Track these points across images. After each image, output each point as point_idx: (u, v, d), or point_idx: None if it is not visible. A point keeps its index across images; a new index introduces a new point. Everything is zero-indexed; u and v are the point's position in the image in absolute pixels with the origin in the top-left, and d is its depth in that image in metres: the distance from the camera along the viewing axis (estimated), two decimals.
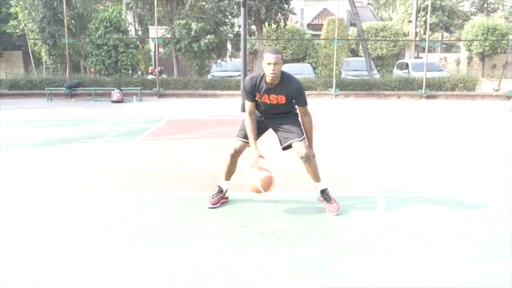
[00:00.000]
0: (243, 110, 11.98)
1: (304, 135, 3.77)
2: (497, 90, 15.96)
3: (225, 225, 3.53)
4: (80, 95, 15.19)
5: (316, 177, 3.81)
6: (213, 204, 3.89)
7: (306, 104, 3.76)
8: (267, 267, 2.84)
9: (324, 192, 3.83)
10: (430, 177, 5.07)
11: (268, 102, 3.73)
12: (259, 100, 3.73)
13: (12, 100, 14.44)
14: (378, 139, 7.64)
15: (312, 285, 2.62)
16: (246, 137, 3.78)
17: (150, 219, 3.68)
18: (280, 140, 3.87)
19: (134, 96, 14.44)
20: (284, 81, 3.66)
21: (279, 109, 3.79)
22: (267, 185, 3.64)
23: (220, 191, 3.95)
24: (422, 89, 15.45)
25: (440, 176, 5.13)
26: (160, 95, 15.60)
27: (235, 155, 3.82)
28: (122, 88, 14.67)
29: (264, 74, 3.63)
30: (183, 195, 4.34)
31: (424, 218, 3.73)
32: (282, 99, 3.70)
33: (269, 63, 3.53)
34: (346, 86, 15.97)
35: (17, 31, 23.22)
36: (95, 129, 8.41)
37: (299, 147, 3.70)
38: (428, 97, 15.40)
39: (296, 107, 3.85)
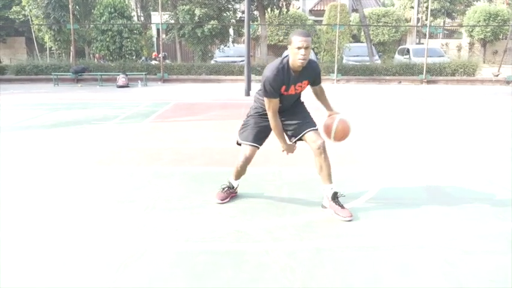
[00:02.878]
0: (247, 94, 12.10)
1: (317, 126, 3.45)
2: (497, 76, 16.16)
3: (235, 196, 3.81)
4: (85, 80, 15.44)
5: (330, 176, 3.38)
6: (222, 200, 3.64)
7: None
8: (275, 230, 3.14)
9: (335, 196, 3.40)
10: (428, 155, 5.35)
11: (294, 92, 3.34)
12: (287, 93, 3.29)
13: (19, 85, 14.70)
14: (379, 121, 7.91)
15: (316, 244, 2.92)
16: (255, 140, 3.48)
17: (165, 190, 3.98)
18: (291, 131, 3.46)
19: (139, 81, 14.68)
20: (307, 64, 3.25)
21: (296, 98, 3.46)
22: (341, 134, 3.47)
23: (231, 187, 3.72)
24: (422, 74, 15.67)
25: (437, 154, 5.41)
26: (165, 80, 15.84)
27: (246, 162, 3.52)
28: (127, 73, 14.90)
29: (285, 62, 3.23)
30: (194, 171, 4.64)
31: (420, 190, 4.02)
32: (305, 84, 3.36)
33: (299, 48, 3.10)
34: (348, 71, 16.19)
35: (20, 17, 23.40)
36: (104, 112, 8.69)
37: (315, 136, 3.33)
38: (428, 82, 15.63)
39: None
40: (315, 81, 3.46)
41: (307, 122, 3.41)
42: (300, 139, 3.43)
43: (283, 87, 3.26)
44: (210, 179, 4.29)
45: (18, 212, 3.47)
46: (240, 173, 3.64)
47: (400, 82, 15.84)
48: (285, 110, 3.44)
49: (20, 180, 4.31)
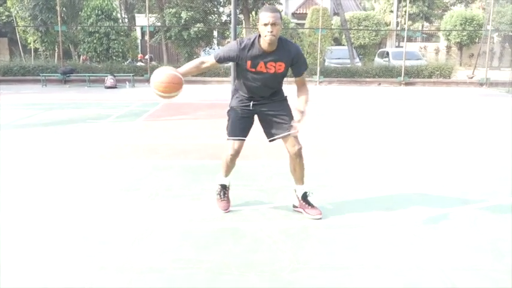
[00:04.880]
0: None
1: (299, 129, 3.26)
2: (471, 78, 16.92)
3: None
4: (73, 81, 15.65)
5: (302, 178, 3.52)
6: (225, 209, 3.56)
7: (305, 69, 3.32)
8: (267, 211, 3.58)
9: (305, 195, 3.53)
10: (403, 149, 5.86)
11: (265, 71, 3.19)
12: (254, 69, 3.20)
13: (7, 86, 14.82)
14: (360, 120, 8.42)
15: (304, 223, 3.36)
16: (239, 133, 3.39)
17: (166, 180, 4.38)
18: (269, 131, 3.44)
19: (127, 82, 14.97)
20: (282, 46, 3.16)
21: (273, 84, 3.32)
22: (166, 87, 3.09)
23: (224, 186, 3.65)
24: (401, 76, 16.32)
25: (412, 148, 5.92)
26: None
27: (236, 155, 3.42)
28: (115, 74, 15.16)
29: (256, 38, 3.15)
30: (190, 164, 5.04)
31: (395, 180, 4.51)
32: (280, 67, 3.19)
33: (266, 24, 3.00)
34: (330, 74, 16.75)
35: (3, 18, 23.36)
36: (97, 112, 9.01)
37: (295, 141, 3.34)
38: (406, 84, 16.29)
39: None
40: (295, 70, 3.27)
41: (290, 126, 3.26)
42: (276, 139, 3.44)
43: (249, 62, 3.18)
44: (205, 170, 4.70)
45: (35, 201, 3.84)
46: (229, 167, 3.55)
47: (380, 84, 16.46)
48: (265, 99, 3.37)
49: (29, 174, 4.66)
